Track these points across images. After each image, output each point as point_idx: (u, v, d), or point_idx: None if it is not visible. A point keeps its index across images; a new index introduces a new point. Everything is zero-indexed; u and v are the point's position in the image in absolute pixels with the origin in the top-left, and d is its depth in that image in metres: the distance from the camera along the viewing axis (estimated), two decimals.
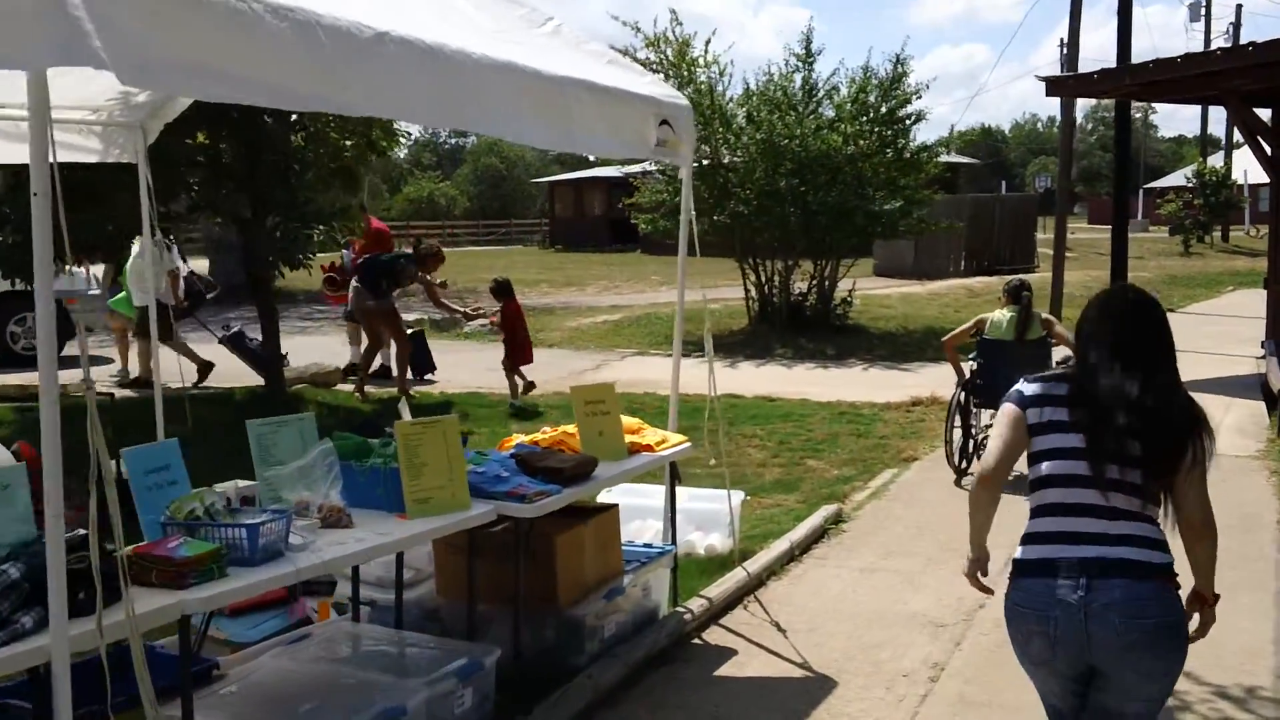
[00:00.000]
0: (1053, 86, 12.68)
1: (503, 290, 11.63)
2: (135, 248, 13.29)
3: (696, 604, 5.50)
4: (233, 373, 11.99)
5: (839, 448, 9.44)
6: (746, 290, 17.31)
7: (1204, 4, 43.65)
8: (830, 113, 16.36)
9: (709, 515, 6.47)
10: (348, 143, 9.75)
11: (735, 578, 5.88)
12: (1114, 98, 14.09)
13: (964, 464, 8.34)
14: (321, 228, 9.47)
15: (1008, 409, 3.08)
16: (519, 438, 5.29)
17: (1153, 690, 2.92)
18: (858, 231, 16.08)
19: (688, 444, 5.50)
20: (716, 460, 6.32)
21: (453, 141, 64.37)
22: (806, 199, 15.67)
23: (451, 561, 4.82)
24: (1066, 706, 3.05)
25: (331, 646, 4.36)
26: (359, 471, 4.17)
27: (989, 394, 8.34)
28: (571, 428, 5.13)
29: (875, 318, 18.42)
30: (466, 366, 14.06)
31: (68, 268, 11.58)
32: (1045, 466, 2.99)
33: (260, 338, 11.18)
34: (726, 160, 16.19)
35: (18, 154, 6.55)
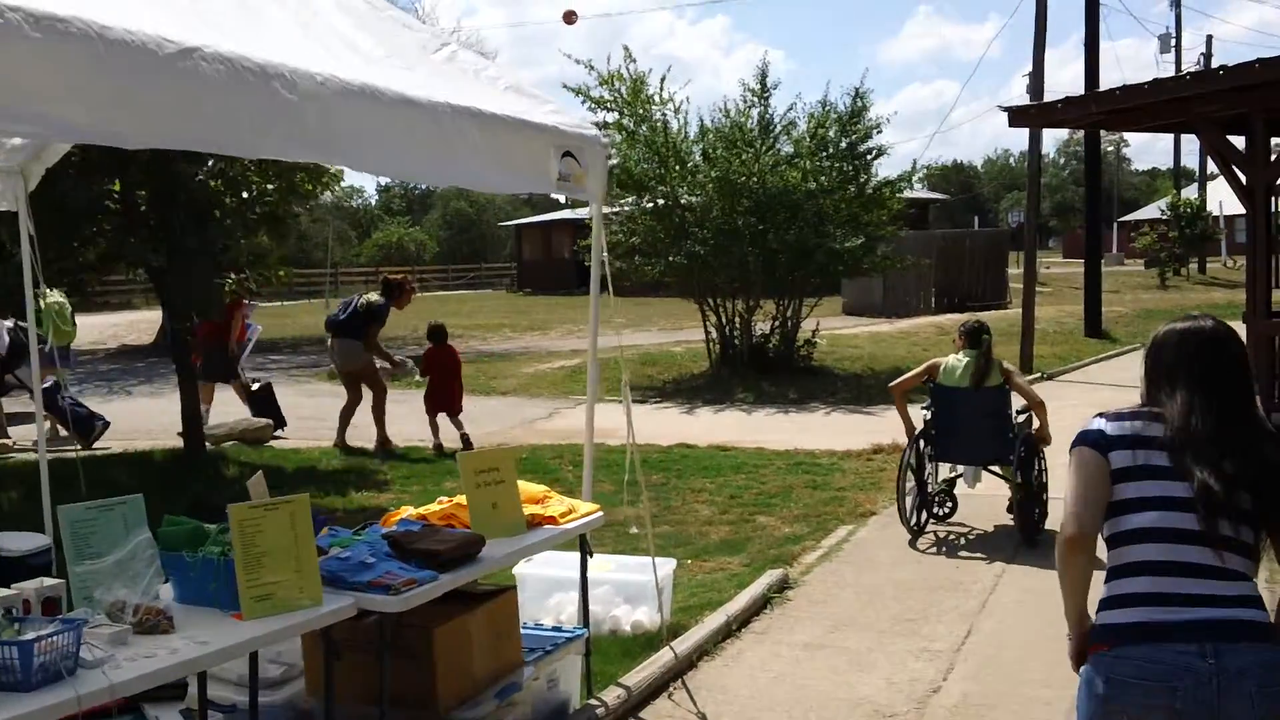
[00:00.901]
0: (1016, 117, 12.22)
1: (433, 335, 11.26)
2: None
3: (613, 695, 4.88)
4: (160, 429, 11.35)
5: (792, 502, 8.85)
6: (707, 332, 16.79)
7: (1174, 35, 43.69)
8: (789, 149, 15.92)
9: (639, 587, 5.85)
10: (270, 187, 9.18)
11: (660, 660, 5.26)
12: (1079, 127, 13.69)
13: (917, 521, 7.75)
14: (233, 277, 8.87)
15: (1085, 454, 2.68)
16: (407, 510, 4.68)
17: None
18: (819, 270, 15.60)
19: (599, 514, 4.90)
20: (639, 527, 5.70)
21: (422, 187, 64.05)
22: (766, 237, 15.19)
23: (316, 659, 4.19)
24: None
25: None
26: (190, 564, 3.56)
27: (945, 445, 7.78)
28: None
29: (841, 358, 17.90)
30: (417, 417, 13.44)
31: None
32: (1142, 519, 2.61)
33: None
34: (684, 200, 15.72)
35: None
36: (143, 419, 13.04)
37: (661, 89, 16.01)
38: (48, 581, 3.44)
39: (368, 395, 11.30)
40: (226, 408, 13.47)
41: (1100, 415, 2.74)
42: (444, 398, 11.14)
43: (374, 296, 11.40)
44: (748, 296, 16.29)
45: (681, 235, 15.52)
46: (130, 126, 2.95)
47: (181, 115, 3.02)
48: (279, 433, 12.06)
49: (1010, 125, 12.48)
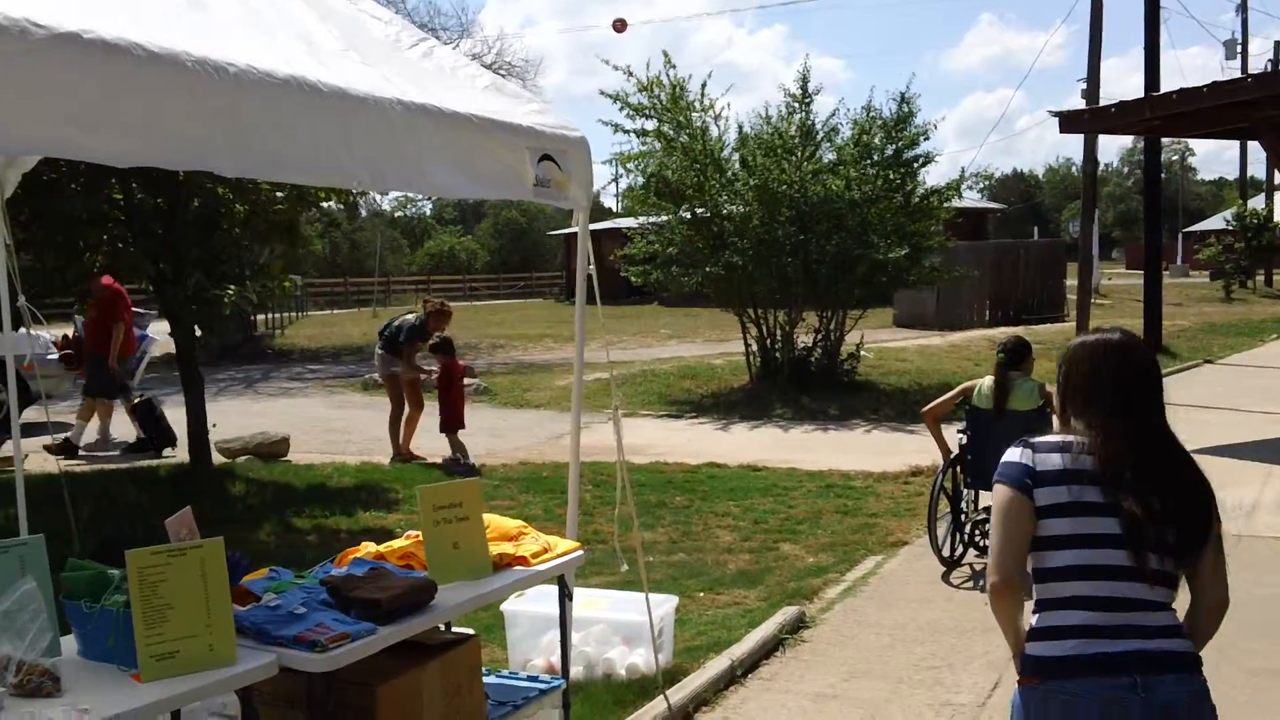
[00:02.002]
0: (1068, 122, 11.65)
1: (441, 348, 10.89)
2: None
3: None
4: (183, 441, 11.08)
5: (820, 529, 8.33)
6: (747, 345, 16.29)
7: (1239, 41, 42.37)
8: (831, 156, 15.40)
9: (638, 627, 5.38)
10: (279, 194, 8.86)
11: (651, 712, 4.80)
12: (1135, 133, 13.03)
13: (952, 553, 7.22)
14: (233, 288, 8.55)
15: (1006, 493, 2.62)
16: (369, 547, 4.26)
17: None
18: (862, 282, 15.02)
19: (578, 553, 4.43)
20: (629, 564, 5.25)
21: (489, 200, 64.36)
22: (807, 248, 14.67)
23: (264, 714, 3.79)
24: None
25: None
26: (89, 615, 3.17)
27: (978, 472, 7.23)
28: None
29: (888, 372, 17.30)
30: (436, 432, 13.09)
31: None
32: (1071, 555, 2.57)
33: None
34: (723, 209, 15.26)
35: None
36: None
37: (702, 95, 15.59)
38: None
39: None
40: (246, 420, 13.25)
41: (1026, 445, 2.65)
42: (451, 412, 10.84)
43: (411, 319, 11.45)
44: (789, 308, 15.77)
45: (720, 245, 15.05)
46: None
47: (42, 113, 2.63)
48: (167, 452, 11.46)
49: (1062, 131, 11.90)
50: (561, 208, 4.67)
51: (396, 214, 60.37)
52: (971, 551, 7.42)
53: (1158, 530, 2.53)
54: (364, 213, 44.43)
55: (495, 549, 4.16)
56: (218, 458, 10.41)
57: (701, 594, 6.72)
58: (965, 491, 7.35)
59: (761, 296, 15.65)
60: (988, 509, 7.49)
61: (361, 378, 18.08)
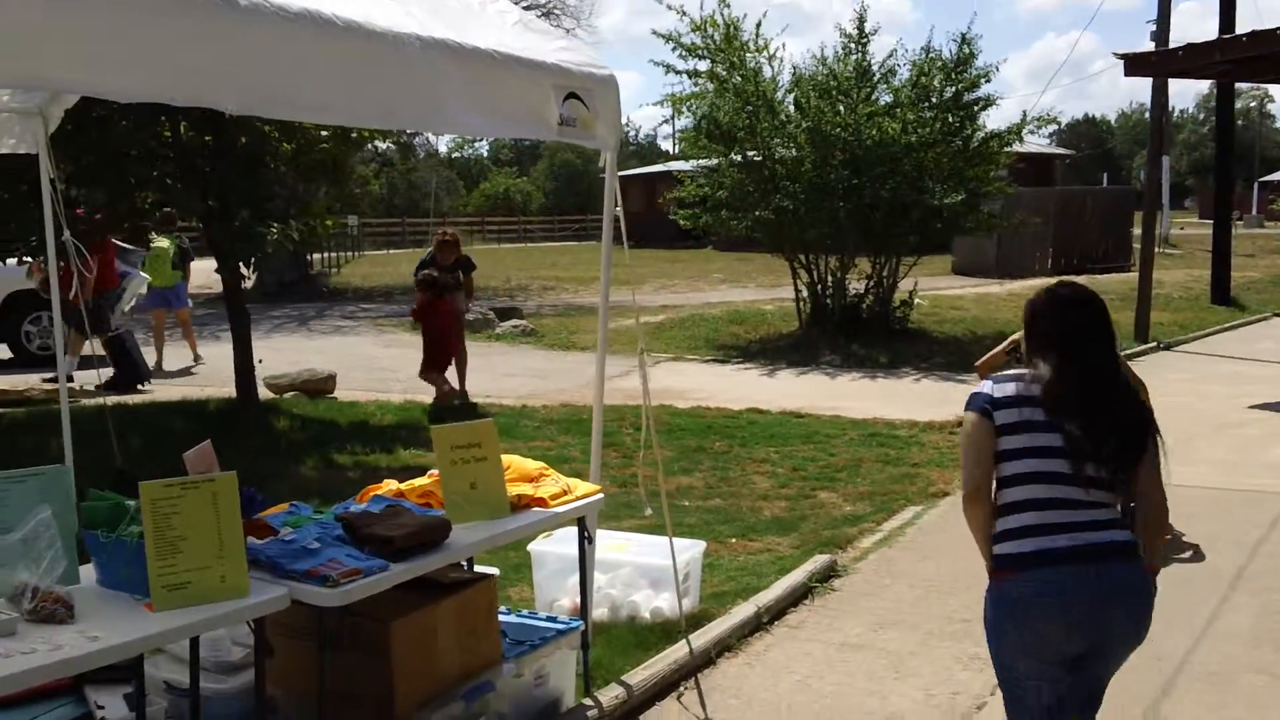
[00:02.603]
0: (1133, 65, 11.26)
1: (430, 284, 10.56)
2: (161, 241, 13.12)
3: (612, 694, 4.44)
4: (222, 378, 11.25)
5: (860, 477, 8.26)
6: (797, 291, 16.12)
7: None
8: (887, 98, 15.07)
9: (665, 570, 5.37)
10: (324, 133, 8.86)
11: (673, 656, 4.80)
12: (1203, 77, 12.58)
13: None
14: (277, 225, 8.60)
15: (972, 417, 3.12)
16: (390, 484, 4.29)
17: (1128, 654, 3.13)
18: (916, 228, 14.76)
19: (598, 495, 4.43)
20: (651, 510, 5.23)
21: (529, 140, 64.24)
22: (860, 192, 14.43)
23: (281, 645, 3.84)
24: (1055, 698, 3.08)
25: None
26: (105, 545, 3.22)
27: None
28: None
29: (942, 321, 17.07)
30: (489, 371, 13.16)
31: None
32: (1023, 465, 3.06)
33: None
34: (775, 152, 15.03)
35: None
36: (226, 365, 13.03)
37: (756, 35, 15.30)
38: None
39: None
40: (298, 356, 13.41)
41: (988, 379, 3.17)
42: (438, 353, 10.55)
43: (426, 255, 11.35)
44: (841, 254, 15.57)
45: (771, 189, 14.85)
46: None
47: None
48: (142, 386, 11.56)
49: (1127, 74, 11.52)
50: (587, 147, 4.59)
51: (453, 155, 60.46)
52: None
53: (1095, 444, 3.01)
54: (421, 154, 44.50)
55: (514, 490, 4.17)
56: (265, 393, 10.55)
57: (734, 540, 6.70)
58: None
59: (813, 241, 15.45)
60: None
61: (410, 318, 18.22)
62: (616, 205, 4.70)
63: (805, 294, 16.02)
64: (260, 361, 9.70)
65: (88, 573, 3.30)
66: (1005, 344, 7.38)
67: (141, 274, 12.18)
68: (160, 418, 9.48)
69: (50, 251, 6.08)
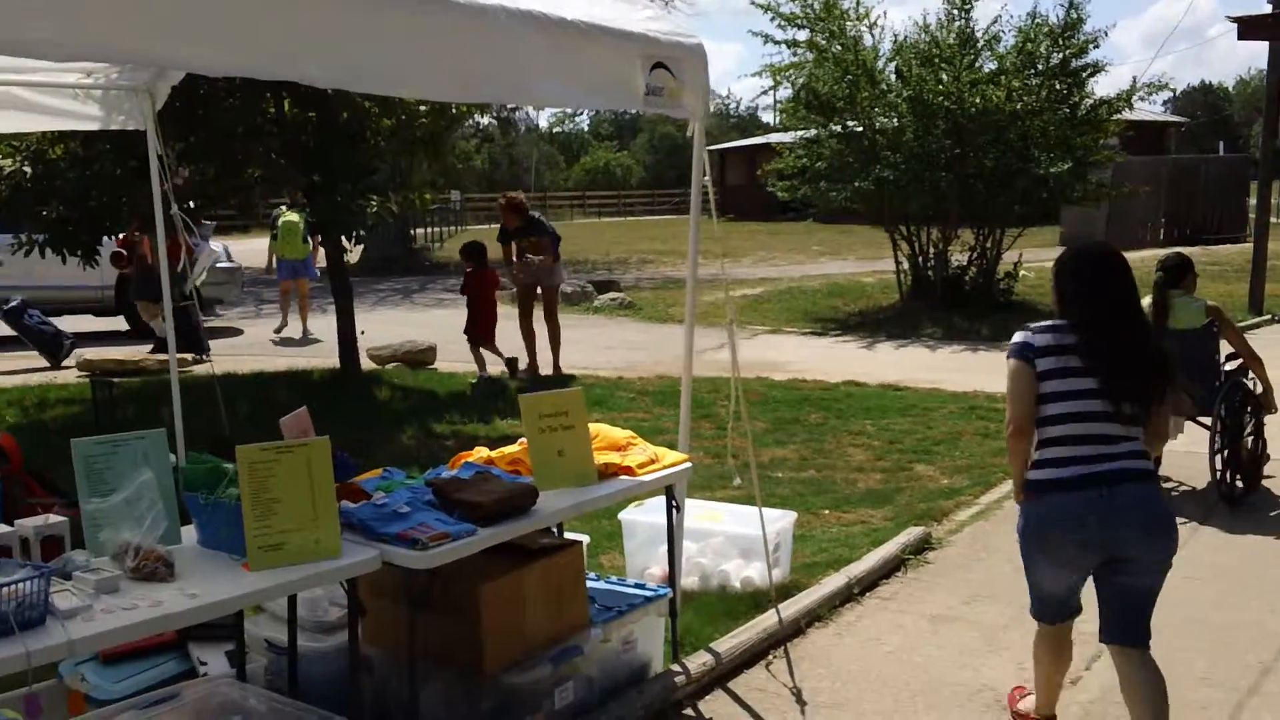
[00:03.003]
0: (1247, 28, 10.79)
1: (471, 255, 10.56)
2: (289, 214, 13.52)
3: (700, 661, 4.46)
4: (327, 348, 11.52)
5: (958, 451, 8.14)
6: (898, 262, 15.90)
7: None
8: (992, 65, 14.70)
9: (756, 540, 5.36)
10: (422, 108, 9.00)
11: (762, 624, 4.80)
12: None
13: None
14: (376, 199, 8.76)
15: (1015, 364, 3.58)
16: (481, 452, 4.36)
17: (1162, 562, 3.54)
18: (1021, 198, 14.41)
19: (686, 464, 4.44)
20: (741, 477, 5.22)
21: (630, 112, 64.50)
22: (963, 162, 14.14)
23: (374, 606, 3.95)
24: (1070, 586, 3.71)
25: (196, 714, 3.56)
26: (204, 506, 3.34)
27: None
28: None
29: (1048, 293, 16.55)
30: (587, 344, 13.27)
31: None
32: (1060, 406, 3.50)
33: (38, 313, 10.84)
34: (876, 122, 14.79)
35: (63, 123, 6.03)
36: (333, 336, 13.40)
37: (857, 4, 15.08)
38: (52, 519, 3.28)
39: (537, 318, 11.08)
40: (400, 328, 13.67)
41: (1025, 329, 3.61)
42: (482, 323, 10.52)
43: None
44: (943, 225, 15.29)
45: (871, 160, 14.62)
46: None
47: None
48: (204, 358, 11.80)
49: (1241, 38, 11.05)
50: (675, 117, 4.57)
51: (554, 130, 60.76)
52: None
53: (1122, 383, 3.46)
54: (521, 129, 44.88)
55: (602, 458, 4.19)
56: (368, 364, 10.79)
57: (827, 511, 6.66)
58: None
59: (914, 213, 15.22)
60: None
61: (511, 291, 18.41)
62: (705, 176, 4.68)
63: (906, 266, 15.80)
64: (363, 333, 9.92)
65: (189, 534, 3.42)
66: None
67: (212, 247, 12.44)
68: (266, 387, 9.78)
69: (159, 225, 6.28)
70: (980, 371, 11.23)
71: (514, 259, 10.92)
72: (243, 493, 3.20)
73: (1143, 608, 3.59)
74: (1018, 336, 3.61)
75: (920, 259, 15.61)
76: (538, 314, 11.01)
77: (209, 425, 6.79)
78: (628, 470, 4.17)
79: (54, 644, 2.65)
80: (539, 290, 11.02)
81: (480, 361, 10.52)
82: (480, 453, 4.34)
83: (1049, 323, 3.60)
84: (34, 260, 9.09)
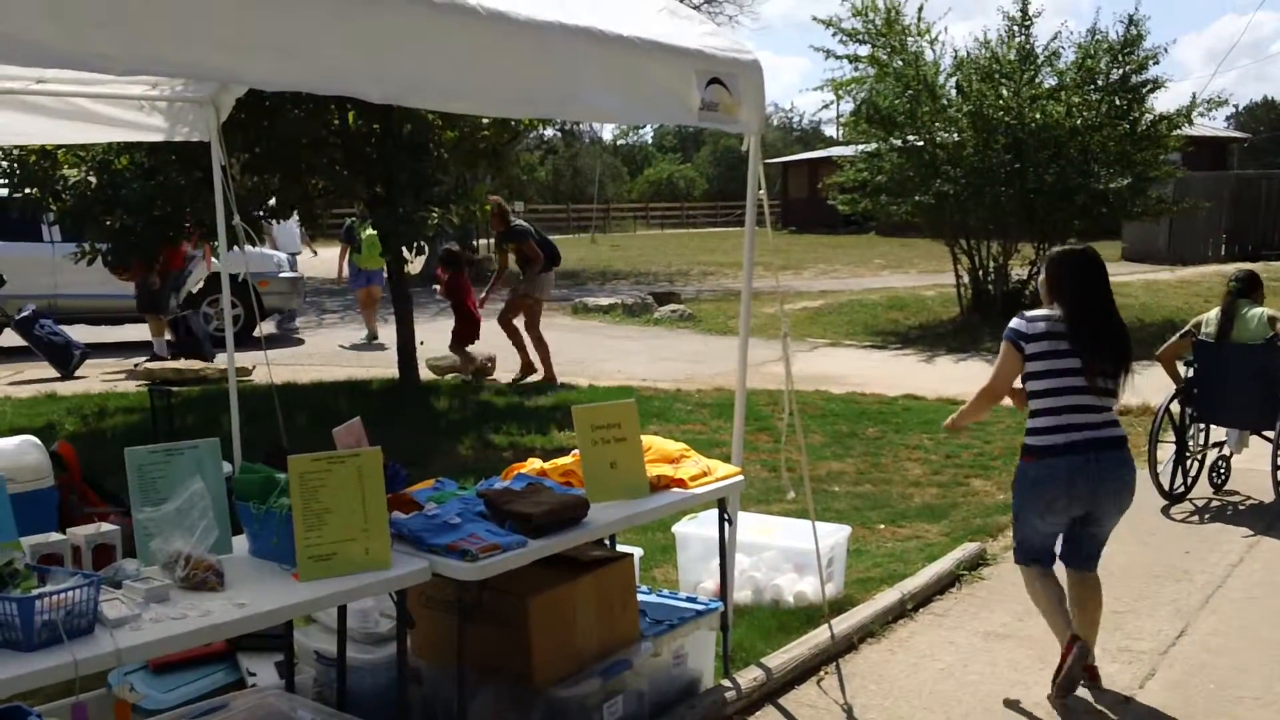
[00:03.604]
0: None
1: (449, 261, 10.71)
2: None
3: (750, 676, 4.44)
4: (387, 358, 11.66)
5: (1014, 466, 7.99)
6: (958, 276, 15.75)
7: None
8: (1051, 81, 14.54)
9: (810, 554, 5.32)
10: (484, 120, 9.08)
11: (814, 640, 4.77)
12: None
13: (1171, 486, 6.93)
14: (437, 211, 8.86)
15: (1006, 346, 4.37)
16: (534, 463, 4.38)
17: (1122, 512, 4.36)
18: (1081, 212, 14.23)
19: (739, 478, 4.42)
20: (795, 490, 5.19)
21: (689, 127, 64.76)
22: (1023, 177, 13.98)
23: (423, 617, 3.99)
24: (1051, 532, 4.41)
25: None
26: (255, 516, 3.39)
27: (1205, 404, 7.11)
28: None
29: None
30: (646, 355, 13.30)
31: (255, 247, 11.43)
32: (1048, 382, 4.28)
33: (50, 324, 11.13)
34: (937, 137, 14.69)
35: (128, 134, 6.16)
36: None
37: (919, 19, 14.99)
38: (104, 527, 3.34)
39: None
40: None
41: (1021, 317, 4.36)
42: (466, 326, 10.71)
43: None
44: (1003, 239, 15.13)
45: (932, 174, 14.51)
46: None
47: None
48: (209, 365, 11.85)
49: None
50: (730, 132, 4.57)
51: (618, 142, 60.94)
52: (1195, 487, 7.28)
53: (1102, 362, 4.20)
54: (586, 141, 45.09)
55: (654, 470, 4.20)
56: (428, 374, 10.90)
57: (882, 526, 6.61)
58: (1191, 425, 7.19)
59: (974, 227, 15.09)
60: (1219, 444, 7.20)
61: (573, 301, 18.50)
62: (761, 190, 4.67)
63: (966, 280, 15.65)
64: (422, 343, 10.02)
65: (240, 543, 3.47)
66: (1185, 329, 7.17)
67: (199, 256, 12.40)
68: (325, 396, 9.91)
69: (221, 235, 6.39)
70: None
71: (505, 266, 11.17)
72: (293, 503, 3.24)
73: (1101, 545, 4.46)
74: (1013, 323, 4.35)
75: (980, 273, 15.47)
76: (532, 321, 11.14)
77: (267, 434, 6.91)
78: (680, 483, 4.17)
79: (102, 653, 2.67)
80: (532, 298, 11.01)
81: (466, 362, 10.75)
82: (533, 464, 4.37)
83: (1042, 312, 4.31)
84: (87, 269, 9.30)
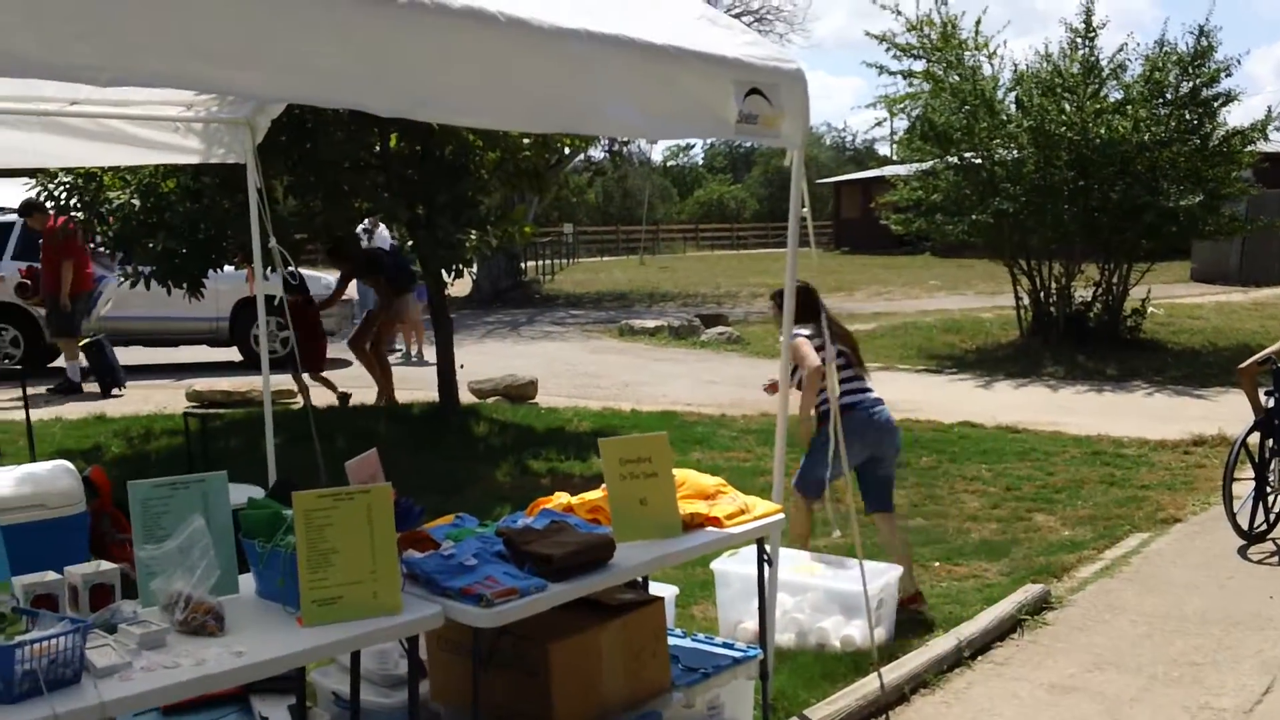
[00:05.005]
0: None
1: (292, 287, 9.94)
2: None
3: None
4: (419, 380, 11.49)
5: (1080, 499, 7.63)
6: (1018, 298, 15.29)
7: None
8: (1117, 95, 14.09)
9: (857, 596, 5.01)
10: (525, 140, 8.89)
11: (862, 690, 4.45)
12: None
13: (1252, 525, 6.50)
14: (475, 233, 8.66)
15: (808, 343, 5.39)
16: (561, 498, 4.13)
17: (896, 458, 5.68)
18: (1149, 231, 13.74)
19: (778, 515, 4.13)
20: (842, 531, 4.89)
21: (745, 145, 64.75)
22: (1087, 194, 13.54)
23: (441, 661, 3.75)
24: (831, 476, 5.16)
25: None
26: (260, 555, 3.17)
27: None
28: None
29: (1178, 331, 15.85)
30: (691, 379, 13.02)
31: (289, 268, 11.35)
32: (843, 372, 5.38)
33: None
34: (995, 154, 14.30)
35: (163, 156, 6.07)
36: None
37: (976, 33, 14.64)
38: (103, 565, 3.14)
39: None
40: (505, 361, 13.61)
41: (805, 331, 5.42)
42: (312, 352, 10.11)
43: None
44: (1066, 259, 14.68)
45: (990, 192, 14.12)
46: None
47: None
48: (115, 391, 11.70)
49: None
50: (770, 146, 4.31)
51: (668, 163, 60.86)
52: (1277, 525, 6.79)
53: (857, 359, 5.66)
54: (636, 162, 44.98)
55: (688, 508, 3.93)
56: (469, 397, 10.71)
57: (937, 564, 6.26)
58: (1273, 459, 6.70)
59: (1035, 247, 14.66)
60: None
61: (619, 324, 18.29)
62: (805, 208, 4.40)
63: (1026, 301, 15.20)
64: (462, 367, 9.82)
65: (248, 582, 3.26)
66: (1272, 347, 6.77)
67: (113, 278, 12.16)
68: (365, 420, 9.75)
69: (255, 257, 6.24)
70: (1105, 414, 10.63)
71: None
72: (298, 542, 3.01)
73: (891, 485, 5.61)
74: (801, 330, 5.33)
75: (1042, 294, 15.01)
76: None
77: (305, 459, 6.73)
78: (715, 521, 3.89)
79: (84, 706, 2.47)
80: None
81: (320, 385, 10.38)
82: (560, 499, 4.11)
83: (809, 329, 5.37)
84: (151, 293, 9.24)
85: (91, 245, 11.19)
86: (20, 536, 4.73)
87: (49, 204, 8.96)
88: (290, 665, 2.88)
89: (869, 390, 5.50)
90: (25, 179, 9.12)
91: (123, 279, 9.36)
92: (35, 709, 2.43)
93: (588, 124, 3.64)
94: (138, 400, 11.30)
